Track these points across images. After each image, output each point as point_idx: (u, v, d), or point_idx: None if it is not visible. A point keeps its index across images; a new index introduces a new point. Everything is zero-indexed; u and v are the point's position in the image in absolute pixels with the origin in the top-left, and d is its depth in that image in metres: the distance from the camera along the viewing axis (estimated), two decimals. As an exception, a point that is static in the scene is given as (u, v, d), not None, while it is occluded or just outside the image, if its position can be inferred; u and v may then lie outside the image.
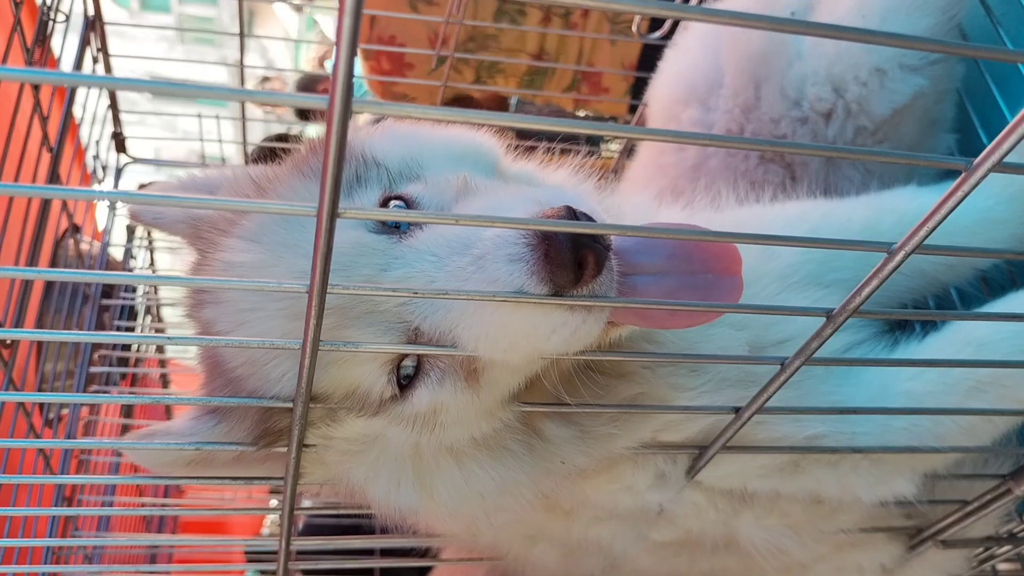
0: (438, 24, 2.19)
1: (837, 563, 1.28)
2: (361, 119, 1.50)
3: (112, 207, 2.21)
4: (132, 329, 2.28)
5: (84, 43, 1.86)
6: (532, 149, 1.16)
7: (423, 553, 1.37)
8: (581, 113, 2.87)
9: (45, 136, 1.68)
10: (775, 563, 1.22)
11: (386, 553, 1.68)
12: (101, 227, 2.27)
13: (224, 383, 0.94)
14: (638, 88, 2.49)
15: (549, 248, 0.76)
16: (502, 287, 0.77)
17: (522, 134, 2.63)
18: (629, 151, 2.16)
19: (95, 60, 1.93)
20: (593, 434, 1.01)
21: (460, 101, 2.81)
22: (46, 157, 1.69)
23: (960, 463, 1.21)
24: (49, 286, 1.97)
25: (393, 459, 0.97)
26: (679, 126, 1.63)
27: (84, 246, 2.14)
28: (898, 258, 0.71)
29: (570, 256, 0.75)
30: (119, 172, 2.19)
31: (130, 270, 2.26)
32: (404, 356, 0.90)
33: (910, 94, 1.42)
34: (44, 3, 1.65)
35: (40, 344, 1.91)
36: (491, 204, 0.89)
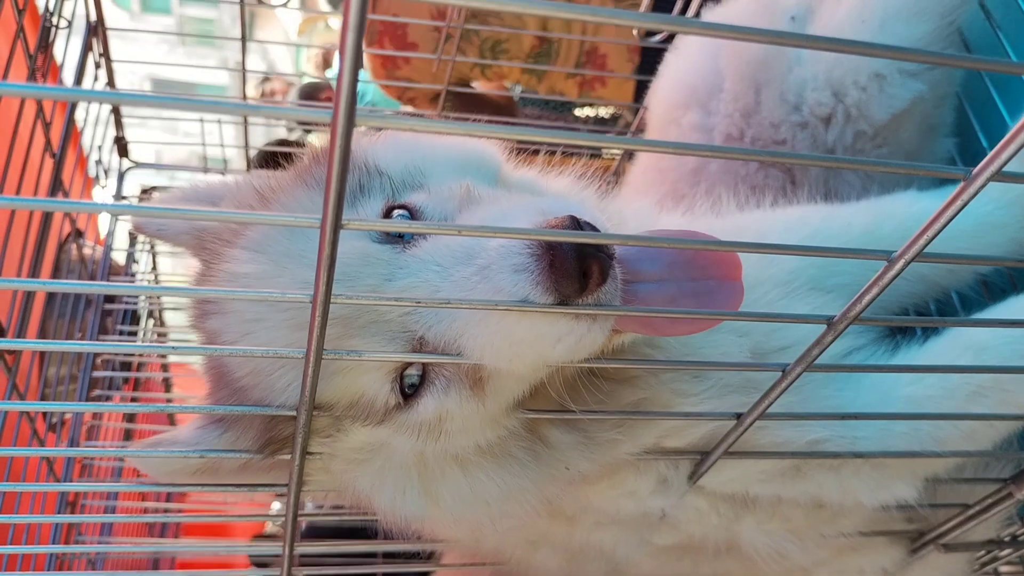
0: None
1: (838, 567, 1.29)
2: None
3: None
4: (135, 333, 2.29)
5: (86, 48, 1.87)
6: (534, 154, 1.17)
7: (426, 558, 1.37)
8: (583, 114, 2.86)
9: (48, 142, 1.69)
10: (777, 567, 1.22)
11: (388, 557, 1.69)
12: (104, 232, 2.27)
13: (229, 393, 0.94)
14: (640, 90, 2.49)
15: (554, 258, 0.76)
16: (507, 297, 0.78)
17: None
18: (630, 154, 2.16)
19: (97, 65, 1.94)
20: (597, 440, 1.02)
21: (464, 96, 2.81)
22: (49, 162, 1.70)
23: (961, 467, 1.21)
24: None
25: (398, 467, 0.98)
26: (680, 130, 1.64)
27: (87, 251, 2.14)
28: (898, 266, 0.71)
29: (575, 266, 0.75)
30: (121, 176, 2.20)
31: (133, 275, 2.27)
32: (408, 365, 0.90)
33: (909, 99, 1.42)
34: (47, 9, 1.65)
35: (43, 349, 1.91)
36: (495, 214, 0.89)
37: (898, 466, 1.13)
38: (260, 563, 2.71)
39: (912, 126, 1.46)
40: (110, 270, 2.16)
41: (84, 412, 1.95)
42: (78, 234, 2.08)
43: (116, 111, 2.12)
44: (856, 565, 1.29)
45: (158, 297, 2.39)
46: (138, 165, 2.23)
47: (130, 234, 2.25)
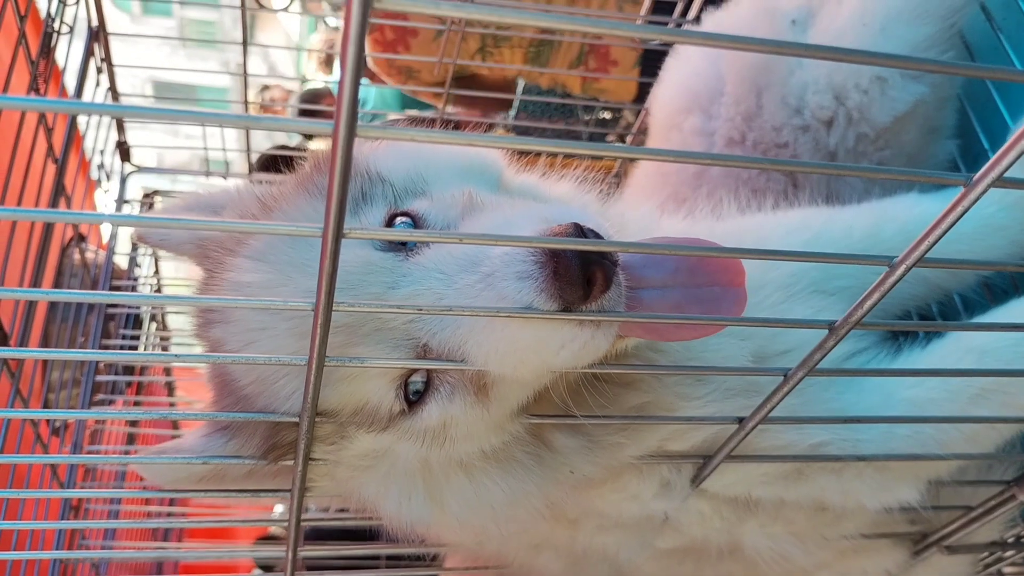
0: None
1: (841, 569, 1.29)
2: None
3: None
4: (138, 337, 2.29)
5: (88, 54, 1.87)
6: (536, 157, 1.17)
7: (429, 562, 1.38)
8: (587, 118, 2.85)
9: (50, 147, 1.69)
10: (779, 570, 1.22)
11: (392, 560, 1.69)
12: (106, 236, 2.28)
13: (234, 402, 0.94)
14: (642, 90, 2.48)
15: (558, 265, 0.76)
16: (511, 304, 0.78)
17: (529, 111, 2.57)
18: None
19: (99, 70, 1.94)
20: (601, 443, 1.02)
21: (466, 79, 2.80)
22: (51, 167, 1.70)
23: (964, 469, 1.21)
24: (55, 295, 1.98)
25: (403, 473, 0.98)
26: (681, 134, 1.64)
27: (89, 255, 2.15)
28: (899, 272, 0.71)
29: (579, 273, 0.75)
30: (124, 180, 2.20)
31: (135, 279, 2.27)
32: (412, 372, 0.91)
33: (911, 101, 1.42)
34: (48, 14, 1.66)
35: (46, 352, 1.91)
36: (498, 221, 0.90)
37: (901, 469, 1.13)
38: (264, 565, 2.71)
39: (914, 128, 1.46)
40: (113, 274, 2.16)
41: (87, 419, 1.95)
42: (80, 238, 2.09)
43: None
44: (859, 567, 1.29)
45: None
46: (140, 169, 2.23)
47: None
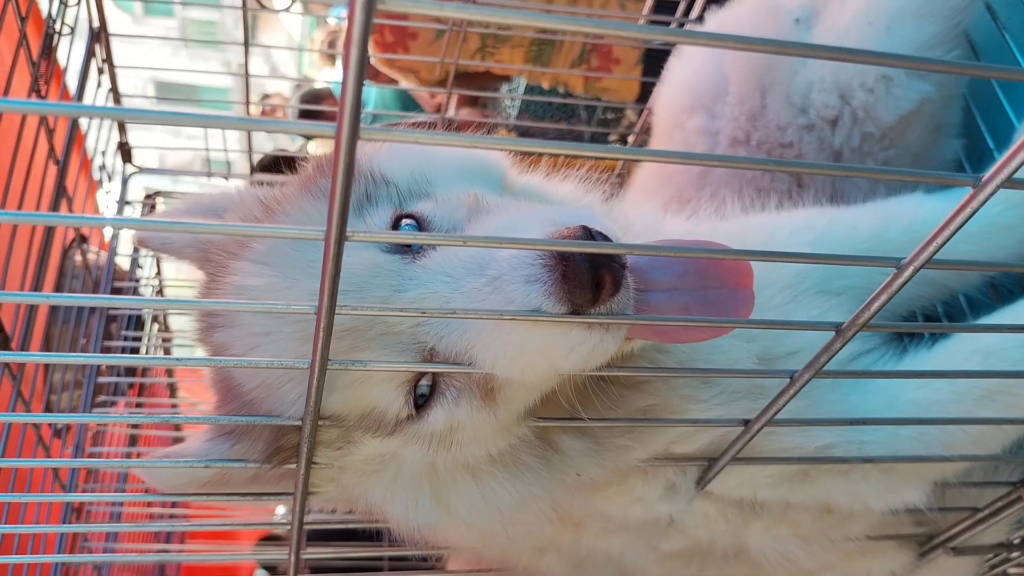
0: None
1: (847, 571, 1.28)
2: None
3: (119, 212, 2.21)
4: (139, 339, 2.29)
5: (90, 55, 1.87)
6: (539, 157, 1.16)
7: (432, 564, 1.37)
8: (589, 126, 2.84)
9: (52, 149, 1.69)
10: (784, 572, 1.22)
11: (394, 562, 1.69)
12: (108, 237, 2.27)
13: (238, 406, 0.94)
14: (644, 89, 2.47)
15: (567, 268, 0.76)
16: (519, 307, 0.77)
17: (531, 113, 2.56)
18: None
19: (100, 71, 1.93)
20: (608, 446, 1.02)
21: (467, 78, 2.79)
22: (53, 169, 1.70)
23: (970, 471, 1.21)
24: (56, 296, 1.97)
25: (409, 477, 0.97)
26: (685, 134, 1.63)
27: (91, 256, 2.14)
28: (907, 273, 0.71)
29: (588, 276, 0.75)
30: (125, 181, 2.20)
31: (137, 280, 2.27)
32: (421, 376, 0.90)
33: (917, 100, 1.41)
34: (50, 15, 1.65)
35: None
36: (505, 223, 0.89)
37: (907, 470, 1.13)
38: (268, 565, 2.71)
39: (919, 127, 1.45)
40: (114, 275, 2.16)
41: (89, 423, 1.95)
42: (82, 240, 2.08)
43: (119, 117, 2.12)
44: (864, 569, 1.29)
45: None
46: (142, 170, 2.22)
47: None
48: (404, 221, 0.93)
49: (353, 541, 1.82)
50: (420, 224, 0.93)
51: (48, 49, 1.63)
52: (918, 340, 1.20)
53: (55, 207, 1.69)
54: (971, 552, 1.30)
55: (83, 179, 2.10)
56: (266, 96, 5.24)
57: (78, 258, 2.07)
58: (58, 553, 1.71)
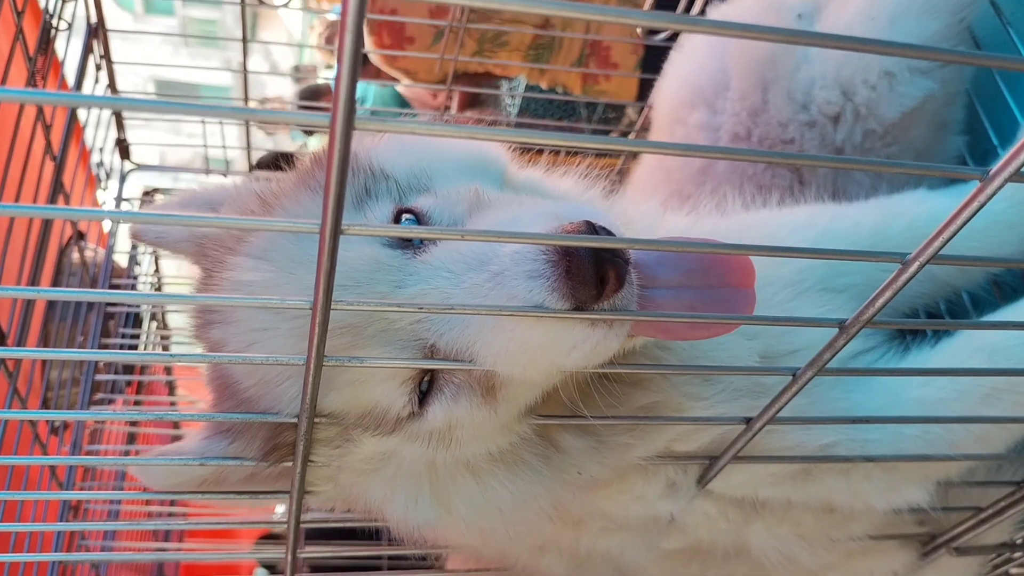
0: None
1: (849, 570, 1.27)
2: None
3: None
4: (137, 336, 2.28)
5: (87, 50, 1.86)
6: (538, 153, 1.15)
7: (431, 564, 1.37)
8: (586, 121, 2.83)
9: (48, 144, 1.68)
10: (785, 572, 1.21)
11: (393, 560, 1.68)
12: (106, 232, 2.26)
13: (235, 404, 0.93)
14: (644, 87, 2.47)
15: (571, 264, 0.75)
16: (521, 303, 0.76)
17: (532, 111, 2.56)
18: (634, 153, 2.14)
19: (98, 67, 1.92)
20: (609, 444, 1.01)
21: (467, 77, 2.79)
22: (50, 164, 1.69)
23: (973, 470, 1.20)
24: (54, 293, 1.96)
25: (409, 476, 0.96)
26: (685, 130, 1.62)
27: (88, 253, 2.13)
28: (912, 269, 0.70)
29: (592, 272, 0.74)
30: (123, 178, 2.19)
31: (135, 277, 2.26)
32: (424, 374, 0.89)
33: (919, 97, 1.40)
34: (47, 10, 1.64)
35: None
36: (507, 219, 0.88)
37: (910, 469, 1.12)
38: (267, 564, 2.70)
39: (922, 124, 1.44)
40: (112, 272, 2.15)
41: (87, 420, 1.94)
42: (79, 236, 2.07)
43: (117, 113, 2.11)
44: (866, 569, 1.28)
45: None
46: (140, 167, 2.22)
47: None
48: (404, 216, 0.92)
49: (352, 540, 1.81)
50: (420, 219, 0.92)
51: (45, 44, 1.62)
52: (921, 338, 1.19)
53: (52, 203, 1.68)
54: (974, 552, 1.29)
55: (81, 176, 2.09)
56: (265, 100, 5.25)
57: (75, 255, 2.06)
58: (55, 551, 1.71)
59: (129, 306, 2.24)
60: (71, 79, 1.87)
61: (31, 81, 1.56)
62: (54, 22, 1.65)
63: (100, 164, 2.04)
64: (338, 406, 0.90)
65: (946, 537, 1.25)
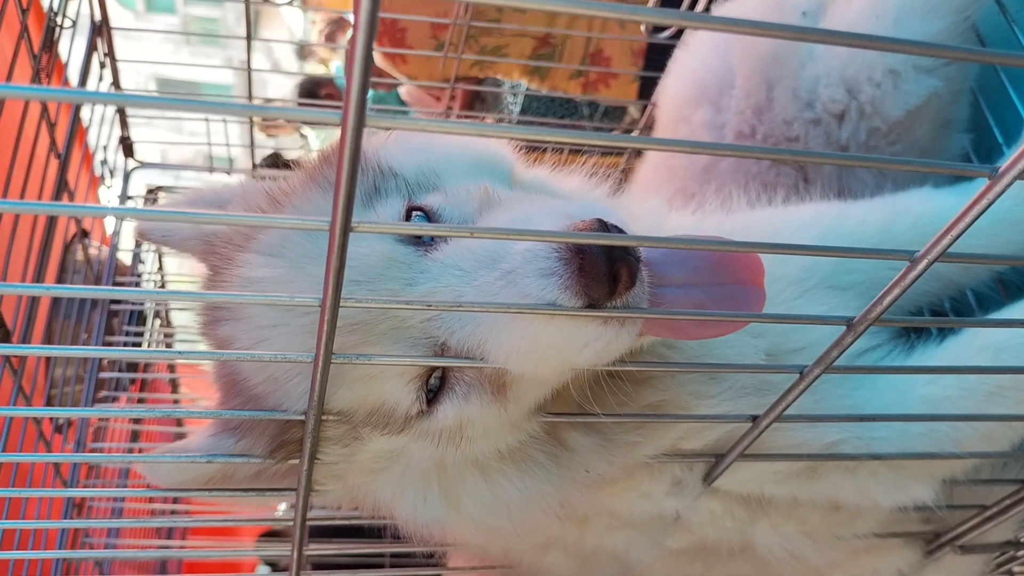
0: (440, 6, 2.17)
1: (853, 568, 1.27)
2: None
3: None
4: (141, 334, 2.28)
5: (91, 48, 1.86)
6: (542, 152, 1.15)
7: (435, 561, 1.37)
8: (588, 119, 2.83)
9: (53, 142, 1.68)
10: (791, 570, 1.21)
11: (396, 558, 1.68)
12: (109, 232, 2.26)
13: (244, 401, 0.93)
14: (646, 85, 2.46)
15: (583, 262, 0.75)
16: (534, 301, 0.76)
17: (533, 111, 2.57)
18: (639, 152, 2.14)
19: (102, 65, 1.92)
20: (617, 442, 1.01)
21: (469, 78, 2.79)
22: (54, 163, 1.69)
23: (979, 468, 1.20)
24: (58, 291, 1.97)
25: (418, 474, 0.96)
26: (690, 128, 1.62)
27: (93, 251, 2.13)
28: (921, 267, 0.70)
29: (605, 269, 0.74)
30: (127, 176, 2.19)
31: (139, 275, 2.26)
32: (432, 372, 0.89)
33: (924, 95, 1.40)
34: (51, 8, 1.64)
35: (49, 350, 1.90)
36: (517, 217, 0.88)
37: (915, 467, 1.12)
38: (270, 561, 2.70)
39: (927, 122, 1.44)
40: (116, 270, 2.15)
41: (91, 417, 1.94)
42: (83, 234, 2.08)
43: (121, 111, 2.11)
44: (871, 566, 1.28)
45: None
46: (143, 165, 2.22)
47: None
48: (414, 214, 0.92)
49: (355, 537, 1.81)
50: (430, 217, 0.92)
51: (49, 42, 1.62)
52: (926, 336, 1.19)
53: (56, 201, 1.68)
54: (979, 550, 1.29)
55: (84, 174, 2.09)
56: (268, 101, 5.24)
57: (79, 253, 2.06)
58: (59, 549, 1.71)
59: (133, 304, 2.24)
60: (75, 77, 1.87)
61: (36, 79, 1.57)
62: (58, 20, 1.65)
63: (104, 162, 2.04)
64: (347, 404, 0.90)
65: (951, 535, 1.25)
